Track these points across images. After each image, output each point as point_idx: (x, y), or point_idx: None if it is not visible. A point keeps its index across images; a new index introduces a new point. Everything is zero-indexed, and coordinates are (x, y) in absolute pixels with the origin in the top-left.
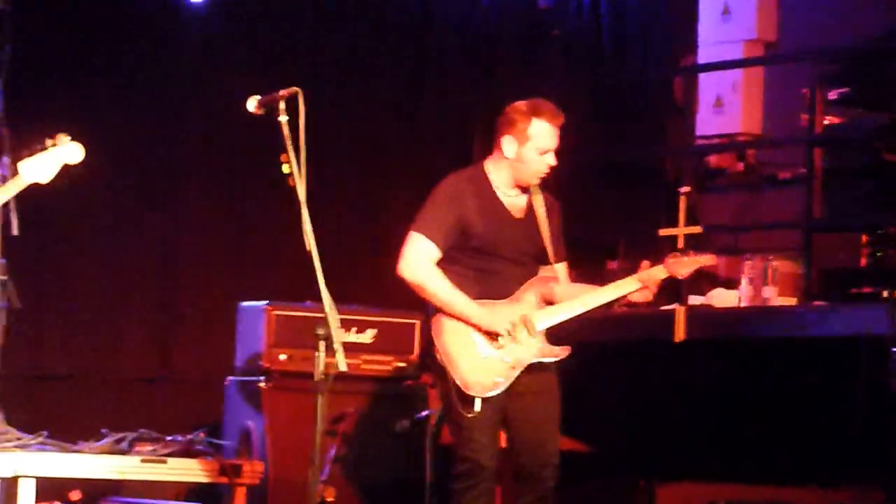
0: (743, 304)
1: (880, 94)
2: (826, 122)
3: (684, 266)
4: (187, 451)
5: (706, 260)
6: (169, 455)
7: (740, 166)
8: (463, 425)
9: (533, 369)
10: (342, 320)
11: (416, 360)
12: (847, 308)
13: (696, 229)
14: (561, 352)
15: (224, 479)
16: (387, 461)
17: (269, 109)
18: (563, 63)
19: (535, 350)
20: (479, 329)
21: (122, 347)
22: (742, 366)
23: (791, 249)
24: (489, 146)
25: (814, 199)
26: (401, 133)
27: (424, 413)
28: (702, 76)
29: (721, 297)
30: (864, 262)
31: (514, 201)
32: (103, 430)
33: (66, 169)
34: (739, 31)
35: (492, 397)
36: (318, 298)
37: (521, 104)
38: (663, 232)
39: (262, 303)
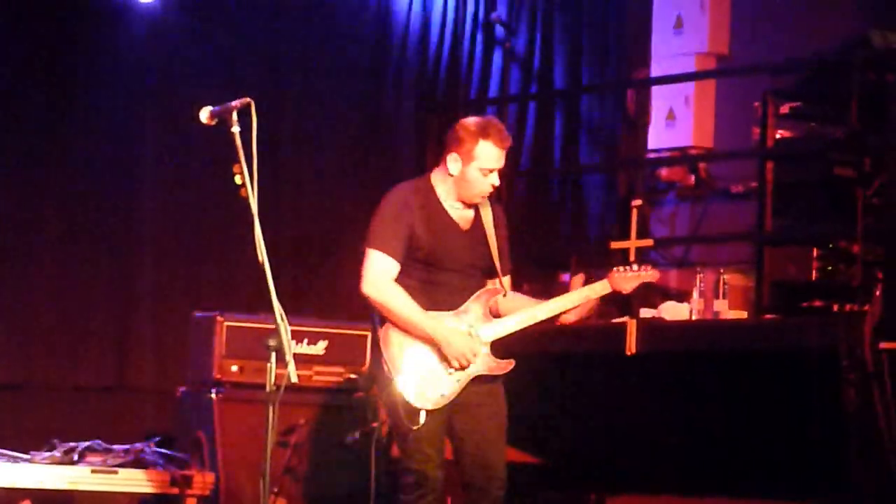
0: (694, 318)
1: (832, 108)
2: (778, 136)
3: (628, 281)
4: (138, 462)
5: (649, 275)
6: (120, 466)
7: (692, 179)
8: (409, 437)
9: (479, 381)
10: (294, 332)
11: (367, 372)
12: (798, 321)
13: (648, 242)
14: (506, 365)
15: (175, 490)
16: (337, 472)
17: (222, 120)
18: (515, 75)
19: (481, 363)
20: (427, 343)
21: (75, 357)
22: (693, 379)
23: (742, 263)
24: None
25: (765, 212)
26: (358, 144)
27: (374, 424)
28: (654, 89)
29: (672, 311)
30: (814, 275)
31: (461, 213)
32: (54, 441)
33: (19, 176)
34: (692, 44)
35: (437, 409)
36: (271, 309)
37: (470, 123)
38: (615, 245)
39: (214, 313)
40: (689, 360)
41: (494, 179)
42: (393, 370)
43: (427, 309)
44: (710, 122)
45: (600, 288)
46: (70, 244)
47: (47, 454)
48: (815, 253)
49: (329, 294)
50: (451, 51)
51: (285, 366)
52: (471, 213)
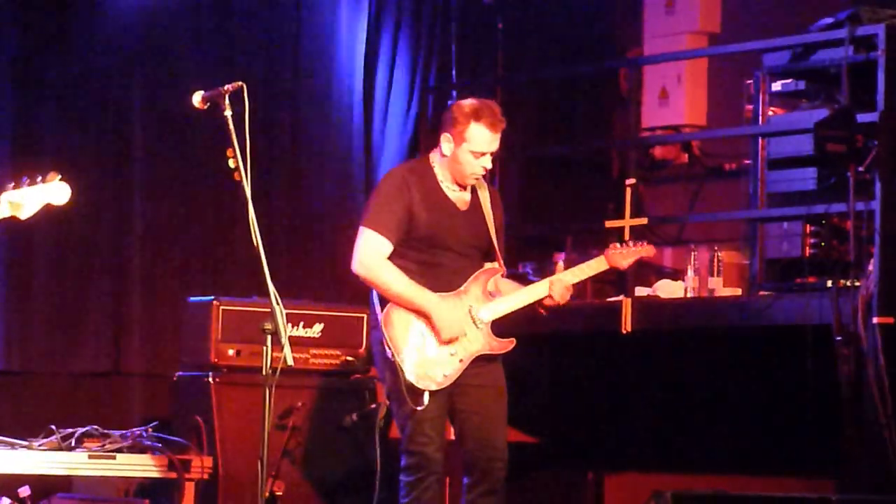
0: (689, 295)
1: (823, 84)
2: (770, 113)
3: (624, 257)
4: (136, 447)
5: (645, 251)
6: (117, 451)
7: (685, 158)
8: (410, 419)
9: (480, 361)
10: (290, 315)
11: (364, 354)
12: (792, 298)
13: (642, 221)
14: (507, 344)
15: (173, 474)
16: (335, 455)
17: (214, 104)
18: (508, 56)
19: (482, 343)
20: (428, 323)
21: (72, 344)
22: (689, 356)
23: (736, 240)
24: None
25: (758, 189)
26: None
27: (373, 406)
28: (647, 68)
29: (667, 288)
30: (808, 252)
31: (458, 195)
32: (52, 427)
33: (12, 162)
34: (683, 23)
35: (439, 390)
36: (266, 293)
37: (464, 104)
38: (610, 224)
39: (210, 298)
40: (684, 338)
41: (486, 162)
42: (395, 351)
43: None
44: (703, 101)
45: (597, 265)
46: (64, 231)
47: (45, 440)
48: (808, 229)
49: (325, 277)
50: (442, 32)
51: (282, 349)
52: (468, 194)
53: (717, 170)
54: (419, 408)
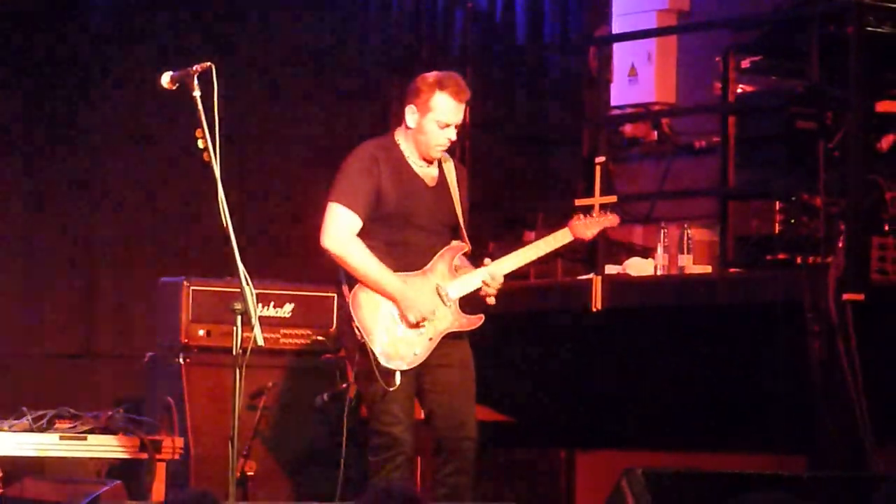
0: (659, 273)
1: (793, 61)
2: (739, 91)
3: (588, 227)
4: (107, 428)
5: (609, 220)
6: (89, 432)
7: (655, 135)
8: (378, 399)
9: (447, 340)
10: (260, 295)
11: (335, 334)
12: (762, 275)
13: (612, 199)
14: (475, 320)
15: (144, 455)
16: (306, 435)
17: (183, 84)
18: (477, 34)
19: (451, 320)
20: (396, 303)
21: (42, 325)
22: (660, 334)
23: (706, 217)
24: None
25: (728, 167)
26: (321, 106)
27: (343, 386)
28: (616, 46)
29: (637, 266)
30: (778, 229)
31: (425, 170)
32: (23, 408)
33: None
34: (653, 0)
35: (407, 370)
36: (236, 273)
37: (429, 75)
38: (580, 202)
39: (181, 278)
40: (654, 316)
41: (451, 134)
42: (364, 332)
43: (393, 269)
44: (672, 78)
45: (562, 237)
46: (33, 211)
47: (16, 422)
48: (777, 206)
49: (295, 257)
50: (414, 10)
51: (252, 329)
52: (435, 170)
53: (686, 147)
54: (391, 388)
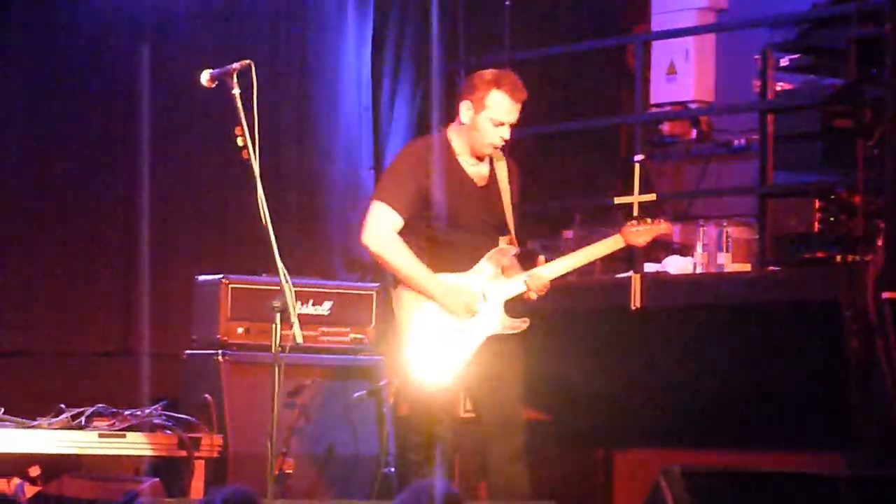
0: (698, 271)
1: (831, 59)
2: (778, 89)
3: (640, 235)
4: (146, 426)
5: (662, 228)
6: (127, 429)
7: (693, 133)
8: (421, 397)
9: (495, 340)
10: (299, 292)
11: (374, 331)
12: (800, 273)
13: (651, 197)
14: (520, 324)
15: (183, 453)
16: (345, 432)
17: (222, 82)
18: (515, 31)
19: (495, 322)
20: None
21: (80, 323)
22: (698, 332)
23: (745, 216)
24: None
25: (767, 165)
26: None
27: (382, 383)
28: (654, 44)
29: (676, 264)
30: (816, 227)
31: (476, 169)
32: (61, 406)
33: (22, 142)
34: None
35: (449, 369)
36: (275, 271)
37: (486, 72)
38: (618, 200)
39: (219, 276)
40: (693, 314)
41: (505, 133)
42: (406, 331)
43: (437, 270)
44: (711, 76)
45: (613, 243)
46: (72, 210)
47: (55, 420)
48: (816, 205)
49: (334, 254)
50: (450, 10)
51: (291, 327)
52: (486, 168)
53: (725, 145)
54: (428, 387)
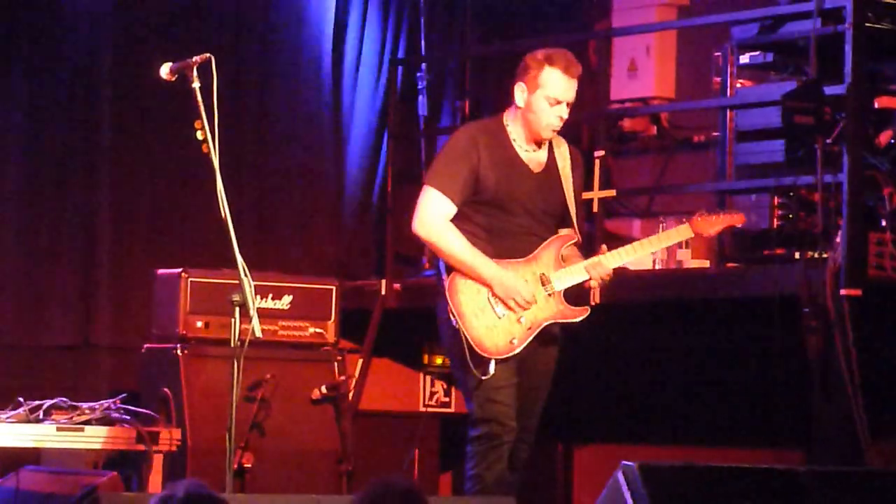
0: (657, 267)
1: (791, 57)
2: (738, 86)
3: (712, 225)
4: (104, 419)
5: (735, 219)
6: (86, 423)
7: (654, 130)
8: (479, 388)
9: (543, 340)
10: (258, 287)
11: (334, 326)
12: (760, 270)
13: (611, 193)
14: (581, 311)
15: (141, 447)
16: (305, 427)
17: (182, 76)
18: (476, 29)
19: (553, 311)
20: (493, 290)
21: (39, 316)
22: (657, 328)
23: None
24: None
25: (726, 161)
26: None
27: (341, 378)
28: (616, 41)
29: (636, 261)
30: (776, 224)
31: (532, 155)
32: (19, 399)
33: None
34: None
35: (508, 357)
36: (235, 265)
37: (538, 52)
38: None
39: (178, 270)
40: (653, 310)
41: (563, 112)
42: (461, 319)
43: (493, 256)
44: (672, 73)
45: (682, 232)
46: (31, 203)
47: (12, 412)
48: (776, 201)
49: (295, 248)
50: (411, 3)
51: (250, 321)
52: (544, 155)
53: (685, 142)
54: (485, 377)
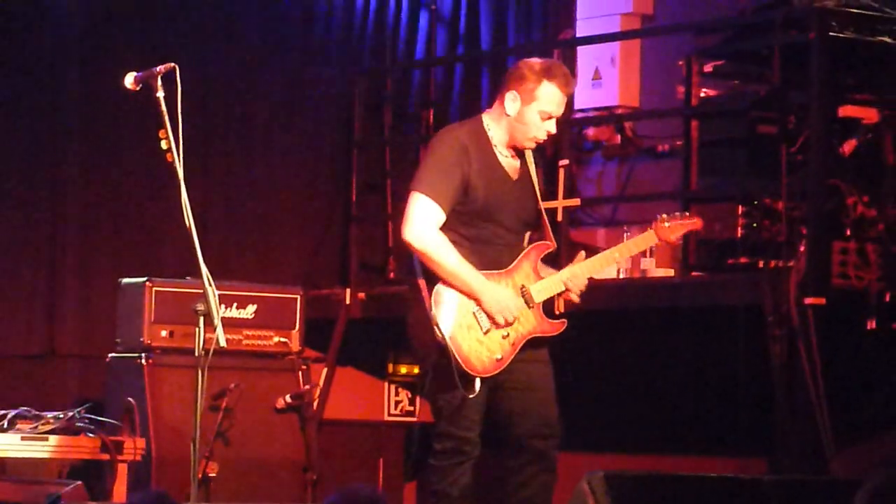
0: (622, 276)
1: (755, 66)
2: (702, 95)
3: (673, 231)
4: (69, 429)
5: (693, 224)
6: (50, 432)
7: (618, 139)
8: (454, 403)
9: (528, 343)
10: (222, 296)
11: (298, 335)
12: (724, 278)
13: (575, 202)
14: (559, 325)
15: (106, 456)
16: (269, 436)
17: (147, 85)
18: (440, 37)
19: (534, 324)
20: (479, 304)
21: (3, 324)
22: (622, 337)
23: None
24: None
25: (691, 170)
26: (284, 108)
27: (306, 388)
28: (580, 50)
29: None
30: (740, 233)
31: (511, 162)
32: None
33: None
34: (617, 4)
35: (489, 371)
36: (199, 274)
37: (535, 61)
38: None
39: (143, 279)
40: (617, 319)
41: (551, 126)
42: (446, 332)
43: (478, 267)
44: (636, 82)
45: (647, 239)
46: None
47: None
48: (740, 210)
49: (259, 257)
50: (377, 14)
51: (214, 330)
52: (518, 161)
53: (649, 151)
54: (471, 395)
